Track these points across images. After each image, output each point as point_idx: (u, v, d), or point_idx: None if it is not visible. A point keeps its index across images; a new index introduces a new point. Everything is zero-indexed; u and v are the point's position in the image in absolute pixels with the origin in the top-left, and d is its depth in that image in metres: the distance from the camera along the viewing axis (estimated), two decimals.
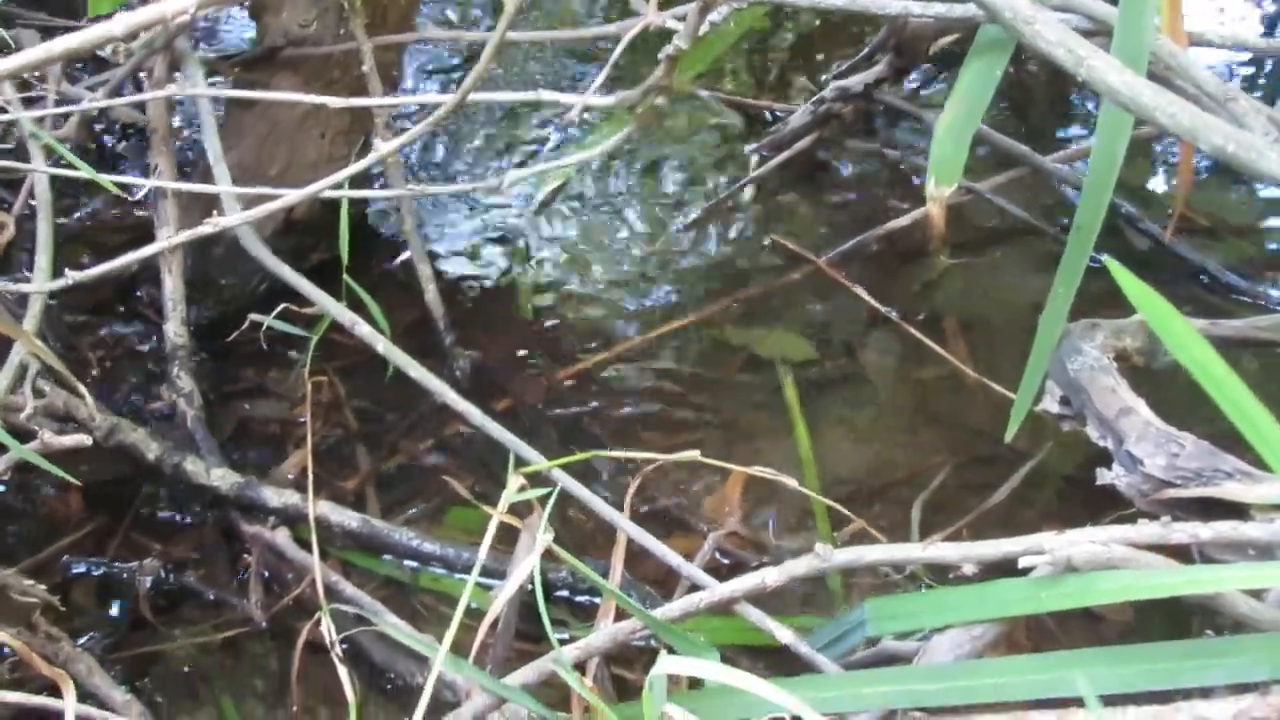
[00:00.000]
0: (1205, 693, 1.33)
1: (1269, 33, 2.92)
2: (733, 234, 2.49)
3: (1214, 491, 1.46)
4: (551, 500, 1.39)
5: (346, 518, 1.86)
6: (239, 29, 2.95)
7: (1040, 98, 2.80)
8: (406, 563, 1.88)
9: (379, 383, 2.01)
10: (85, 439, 1.56)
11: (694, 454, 1.59)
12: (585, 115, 2.48)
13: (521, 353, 2.24)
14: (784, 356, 2.20)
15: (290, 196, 1.62)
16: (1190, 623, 1.64)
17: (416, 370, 1.84)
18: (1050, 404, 1.75)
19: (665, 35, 1.41)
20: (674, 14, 1.55)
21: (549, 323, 2.30)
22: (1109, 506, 1.62)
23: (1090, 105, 2.73)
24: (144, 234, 2.14)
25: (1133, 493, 1.56)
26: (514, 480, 1.44)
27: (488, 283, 2.39)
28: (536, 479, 1.59)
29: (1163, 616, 1.66)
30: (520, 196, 2.57)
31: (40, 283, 1.85)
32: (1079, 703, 1.28)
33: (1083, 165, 2.17)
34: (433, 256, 2.37)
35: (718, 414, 2.12)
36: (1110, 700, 1.29)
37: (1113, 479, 1.58)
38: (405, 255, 2.29)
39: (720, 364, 2.21)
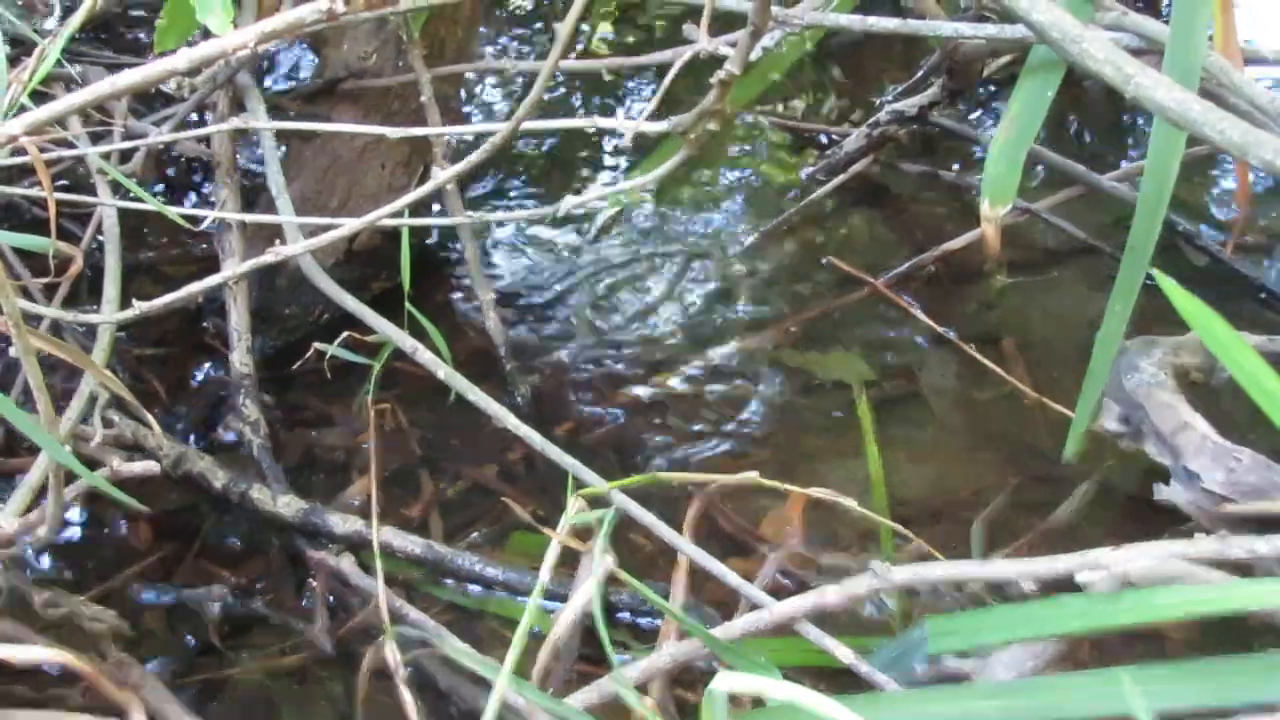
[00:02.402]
0: (1268, 709, 1.32)
1: None
2: (789, 257, 2.50)
3: (1272, 506, 1.44)
4: (609, 521, 1.41)
5: (410, 543, 1.86)
6: (300, 63, 3.00)
7: (1098, 116, 2.79)
8: (470, 587, 1.88)
9: (441, 409, 2.02)
10: (154, 466, 1.57)
11: (753, 476, 1.63)
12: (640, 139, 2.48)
13: (581, 377, 2.26)
14: (842, 378, 2.21)
15: (350, 225, 1.64)
16: (1253, 639, 1.61)
17: (477, 395, 1.84)
18: (1108, 422, 1.75)
19: (717, 61, 1.42)
20: (726, 39, 1.56)
21: (608, 347, 2.33)
22: (1169, 524, 1.62)
23: (1146, 124, 2.72)
24: (210, 266, 2.17)
25: (1192, 508, 1.55)
26: (573, 503, 1.46)
27: (548, 309, 2.42)
28: (597, 502, 1.63)
29: (1226, 633, 1.64)
30: (579, 223, 2.60)
31: (108, 314, 1.87)
32: None
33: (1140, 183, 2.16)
34: (493, 283, 2.39)
35: (776, 436, 2.13)
36: (1170, 718, 1.29)
37: (1171, 495, 1.58)
38: (467, 284, 2.32)
39: (779, 387, 2.22)
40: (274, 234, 2.10)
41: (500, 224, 2.57)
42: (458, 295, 2.40)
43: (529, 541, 1.95)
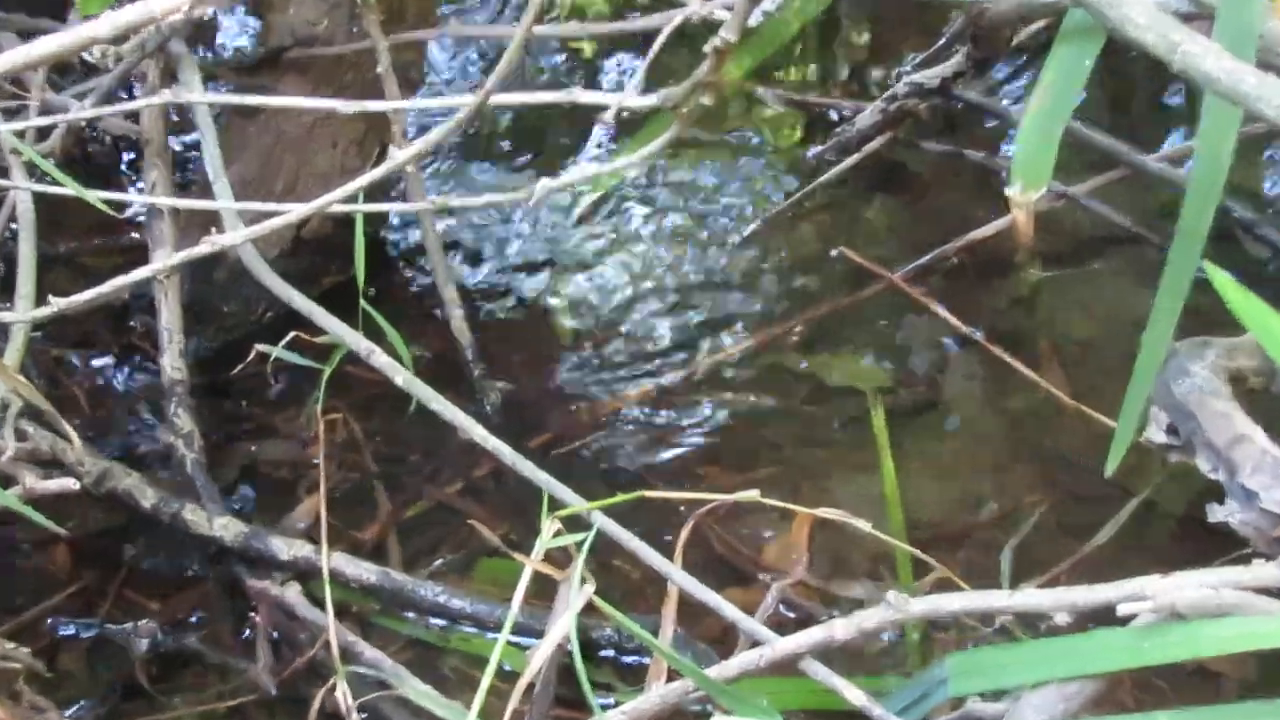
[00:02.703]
0: None
1: None
2: (796, 247, 2.50)
3: None
4: (588, 545, 1.42)
5: (364, 571, 1.87)
6: (241, 30, 2.98)
7: (1142, 89, 2.77)
8: (432, 621, 1.89)
9: (400, 420, 2.01)
10: (73, 483, 1.58)
11: (754, 494, 1.62)
12: (625, 116, 2.47)
13: (558, 384, 2.27)
14: (854, 384, 2.22)
15: (298, 211, 1.63)
16: None
17: (441, 404, 1.84)
18: (1155, 433, 1.74)
19: (712, 28, 1.42)
20: (722, 3, 1.56)
21: (589, 350, 2.33)
22: (1225, 548, 1.61)
23: (1196, 98, 2.70)
24: (137, 258, 2.11)
25: (1249, 530, 1.54)
26: (550, 525, 1.47)
27: (521, 307, 2.42)
28: (576, 524, 1.61)
29: None
30: (555, 210, 2.60)
31: (22, 311, 1.87)
32: None
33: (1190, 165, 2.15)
34: (459, 278, 2.40)
35: (780, 449, 2.13)
36: None
37: (1225, 516, 1.57)
38: (428, 278, 2.32)
39: (783, 393, 2.23)
40: (210, 221, 2.08)
41: (467, 210, 2.56)
42: (419, 291, 2.40)
43: (499, 569, 1.95)
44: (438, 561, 2.01)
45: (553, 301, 2.43)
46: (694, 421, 2.20)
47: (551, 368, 2.29)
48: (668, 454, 2.15)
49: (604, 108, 1.50)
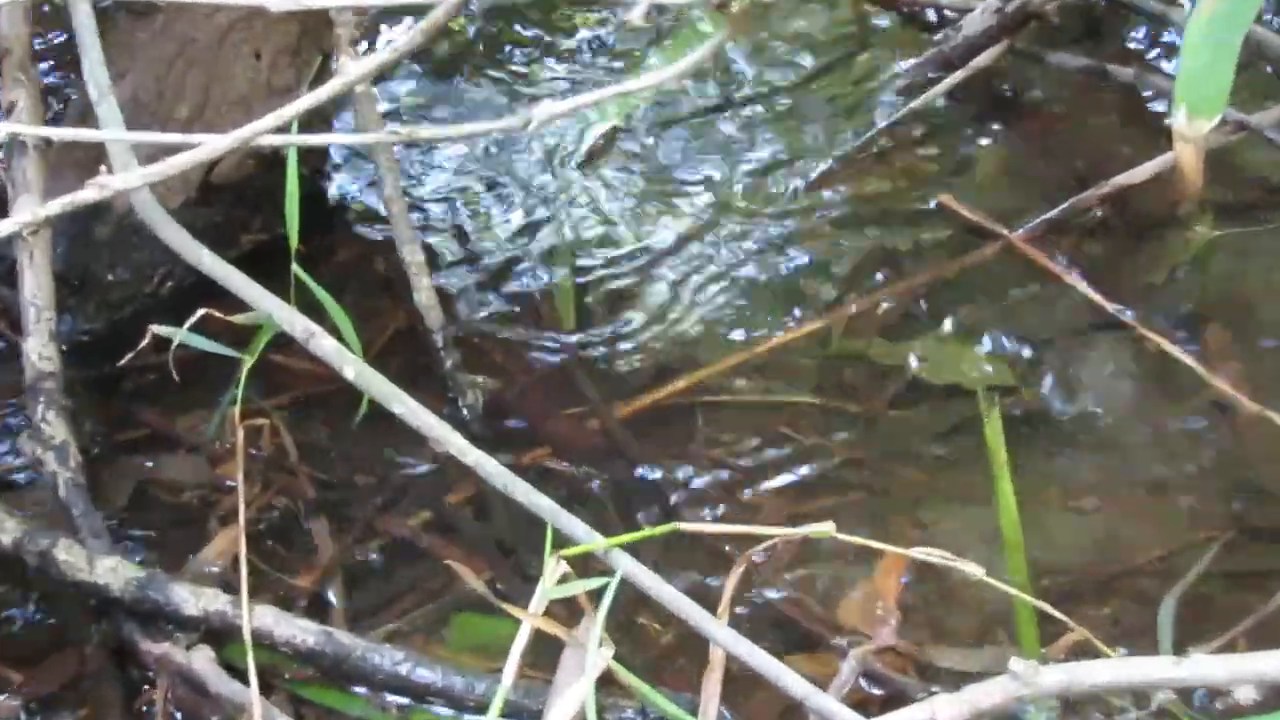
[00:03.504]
0: None
1: None
2: (878, 197, 2.51)
3: None
4: (610, 594, 1.43)
5: (300, 630, 1.88)
6: None
7: None
8: (389, 698, 1.89)
9: (347, 427, 2.04)
10: None
11: (827, 528, 1.63)
12: (652, 19, 2.47)
13: (559, 379, 2.27)
14: (960, 381, 2.22)
15: (209, 145, 1.63)
16: None
17: (403, 405, 1.84)
18: None
19: None
20: None
21: (601, 334, 2.33)
22: None
23: None
24: None
25: None
26: (554, 567, 1.48)
27: (507, 277, 2.43)
28: (587, 567, 1.62)
29: None
30: (556, 147, 2.61)
31: None
32: None
33: None
34: (425, 237, 2.39)
35: (860, 469, 2.15)
36: None
37: None
38: (386, 236, 2.32)
39: (862, 393, 2.24)
40: (92, 160, 2.05)
41: (438, 144, 2.56)
42: (373, 254, 2.42)
43: (481, 628, 1.97)
44: (398, 619, 2.01)
45: (552, 271, 2.43)
46: (741, 431, 2.20)
47: (551, 359, 2.29)
48: (707, 475, 2.17)
49: (630, 3, 1.50)
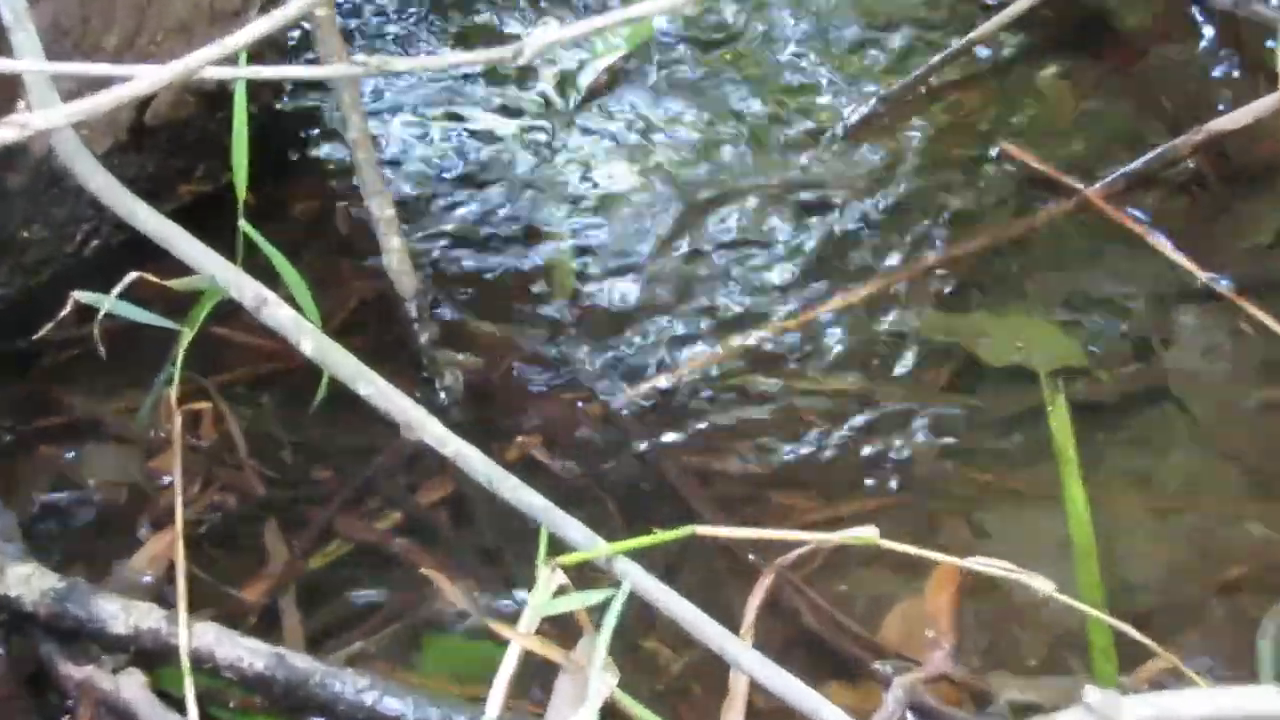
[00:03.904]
0: None
1: None
2: (929, 143, 2.52)
3: None
4: (615, 610, 1.42)
5: (247, 652, 1.87)
6: None
7: None
8: None
9: (303, 413, 2.04)
10: None
11: (868, 533, 1.59)
12: None
13: (550, 360, 2.28)
14: (1024, 362, 2.22)
15: (144, 79, 1.62)
16: None
17: (371, 385, 1.81)
18: None
19: None
20: None
21: (603, 305, 2.34)
22: None
23: None
24: None
25: None
26: (546, 579, 1.48)
27: (492, 236, 2.44)
28: (586, 578, 1.62)
29: None
30: (549, 83, 2.62)
31: None
32: None
33: None
34: (398, 191, 2.40)
35: (907, 466, 2.17)
36: None
37: None
38: (350, 186, 2.32)
39: (911, 377, 2.25)
40: (5, 96, 2.06)
41: (411, 76, 2.58)
42: (335, 208, 2.42)
43: (460, 650, 1.99)
44: (362, 639, 2.01)
45: (544, 233, 2.44)
46: (769, 419, 2.21)
47: (543, 334, 2.29)
48: (727, 468, 2.17)
49: None
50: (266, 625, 2.02)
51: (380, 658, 2.00)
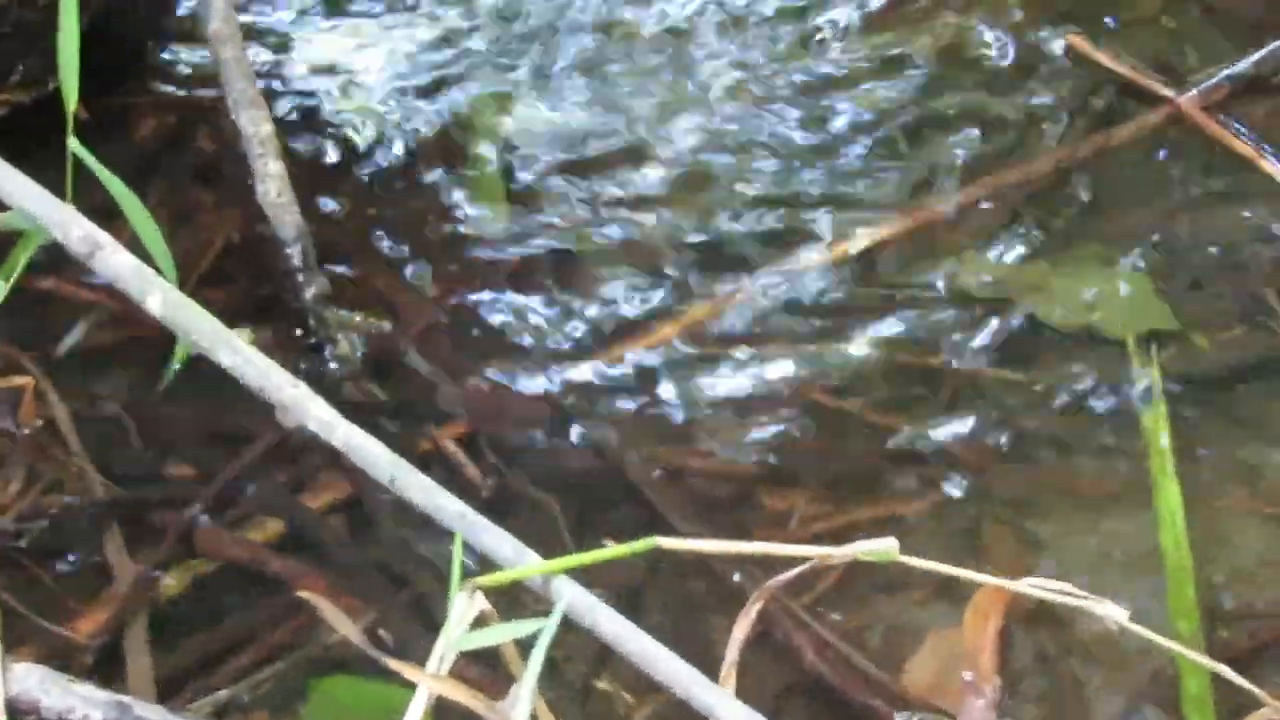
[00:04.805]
0: None
1: None
2: (970, 40, 2.35)
3: None
4: (544, 643, 1.30)
5: (80, 701, 1.68)
6: None
7: None
8: None
9: (152, 391, 1.94)
10: None
11: (887, 546, 1.42)
12: None
13: (484, 318, 2.06)
14: (1100, 326, 2.07)
15: None
16: None
17: (236, 355, 1.63)
18: None
19: None
20: None
21: (548, 245, 2.21)
22: None
23: None
24: None
25: None
26: (464, 606, 1.38)
27: (405, 153, 2.29)
28: (515, 600, 1.54)
29: None
30: None
31: None
32: None
33: None
34: (273, 94, 2.21)
35: (940, 458, 1.99)
36: None
37: None
38: (211, 90, 2.22)
39: (945, 344, 2.11)
40: None
41: None
42: (194, 123, 2.27)
43: (354, 695, 1.83)
44: (229, 684, 1.81)
45: (469, 149, 2.25)
46: (760, 399, 2.06)
47: (469, 284, 2.10)
48: (705, 462, 2.03)
49: None
50: (107, 666, 1.83)
51: (255, 707, 1.82)
